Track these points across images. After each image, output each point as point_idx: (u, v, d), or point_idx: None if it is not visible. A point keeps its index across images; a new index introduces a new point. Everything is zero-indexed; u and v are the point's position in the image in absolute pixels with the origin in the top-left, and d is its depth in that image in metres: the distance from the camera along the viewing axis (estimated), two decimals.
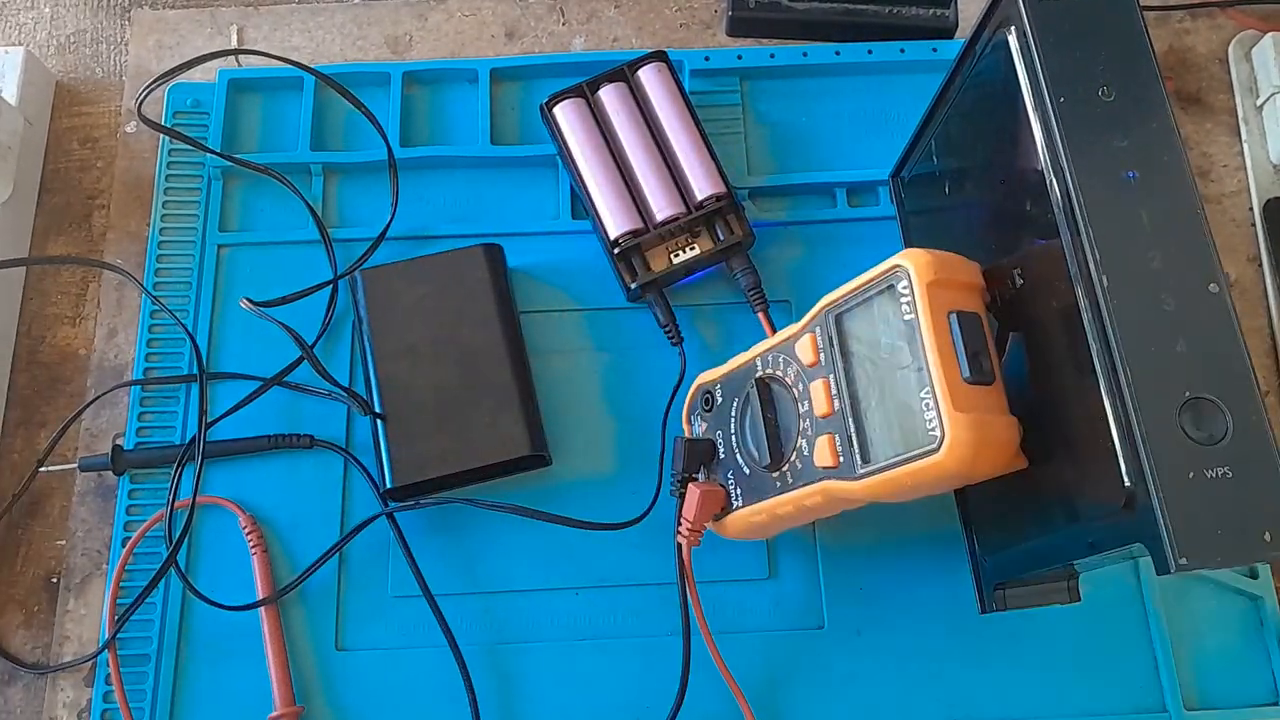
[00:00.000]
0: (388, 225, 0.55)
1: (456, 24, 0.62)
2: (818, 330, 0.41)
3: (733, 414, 0.46)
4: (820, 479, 0.41)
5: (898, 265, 0.38)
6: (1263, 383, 0.53)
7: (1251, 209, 0.58)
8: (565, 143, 0.54)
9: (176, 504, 0.49)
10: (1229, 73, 0.60)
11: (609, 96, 0.55)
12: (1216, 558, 0.31)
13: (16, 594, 0.52)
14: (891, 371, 0.38)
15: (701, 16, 0.62)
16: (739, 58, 0.58)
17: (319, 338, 0.54)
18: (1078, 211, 0.35)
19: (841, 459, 0.40)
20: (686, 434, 0.49)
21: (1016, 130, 0.39)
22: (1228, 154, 0.59)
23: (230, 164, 0.56)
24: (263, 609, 0.49)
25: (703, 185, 0.53)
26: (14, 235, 0.57)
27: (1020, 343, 0.40)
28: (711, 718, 0.48)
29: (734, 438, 0.45)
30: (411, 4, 0.63)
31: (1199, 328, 0.34)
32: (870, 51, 0.58)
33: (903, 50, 0.58)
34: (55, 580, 0.52)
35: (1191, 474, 0.32)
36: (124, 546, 0.50)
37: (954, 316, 0.37)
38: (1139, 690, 0.49)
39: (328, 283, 0.53)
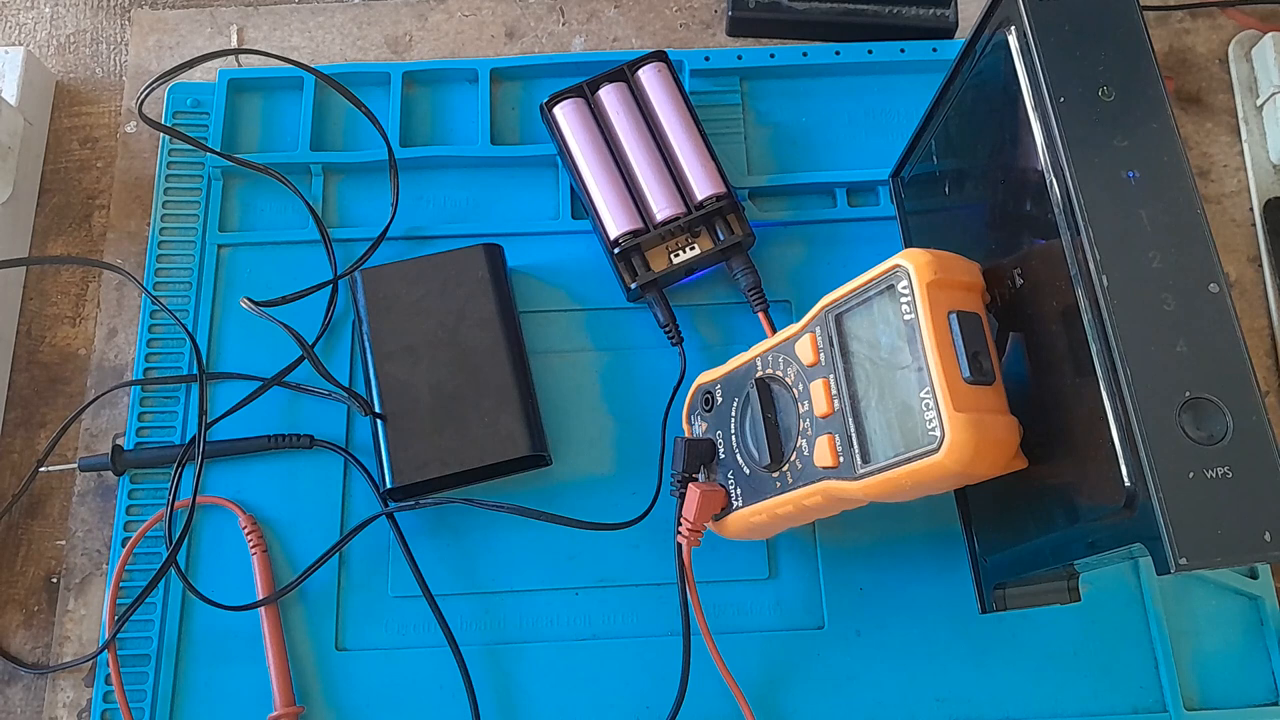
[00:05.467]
0: (388, 225, 0.55)
1: (456, 24, 0.62)
2: (818, 330, 0.42)
3: (733, 414, 0.46)
4: (820, 479, 0.41)
5: (898, 265, 0.38)
6: (1263, 383, 0.54)
7: (1251, 209, 0.58)
8: (565, 143, 0.54)
9: (176, 504, 0.49)
10: (1229, 73, 0.60)
11: (609, 96, 0.55)
12: (1216, 558, 0.31)
13: (16, 594, 0.52)
14: (891, 371, 0.38)
15: (701, 16, 0.62)
16: (739, 58, 0.58)
17: (319, 338, 0.54)
18: (1078, 211, 0.35)
19: (841, 459, 0.40)
20: (686, 434, 0.49)
21: (1016, 130, 0.39)
22: (1228, 154, 0.59)
23: (230, 164, 0.56)
24: (263, 609, 0.49)
25: (703, 185, 0.53)
26: (14, 235, 0.57)
27: (1020, 343, 0.40)
28: (711, 718, 0.48)
29: (734, 438, 0.45)
30: (411, 4, 0.63)
31: (1199, 328, 0.34)
32: (870, 51, 0.58)
33: (903, 50, 0.58)
34: (55, 580, 0.52)
35: (1191, 474, 0.32)
36: (124, 546, 0.50)
37: (954, 316, 0.37)
38: (1139, 690, 0.49)
39: (328, 283, 0.53)
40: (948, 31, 0.60)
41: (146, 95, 0.52)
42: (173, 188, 0.57)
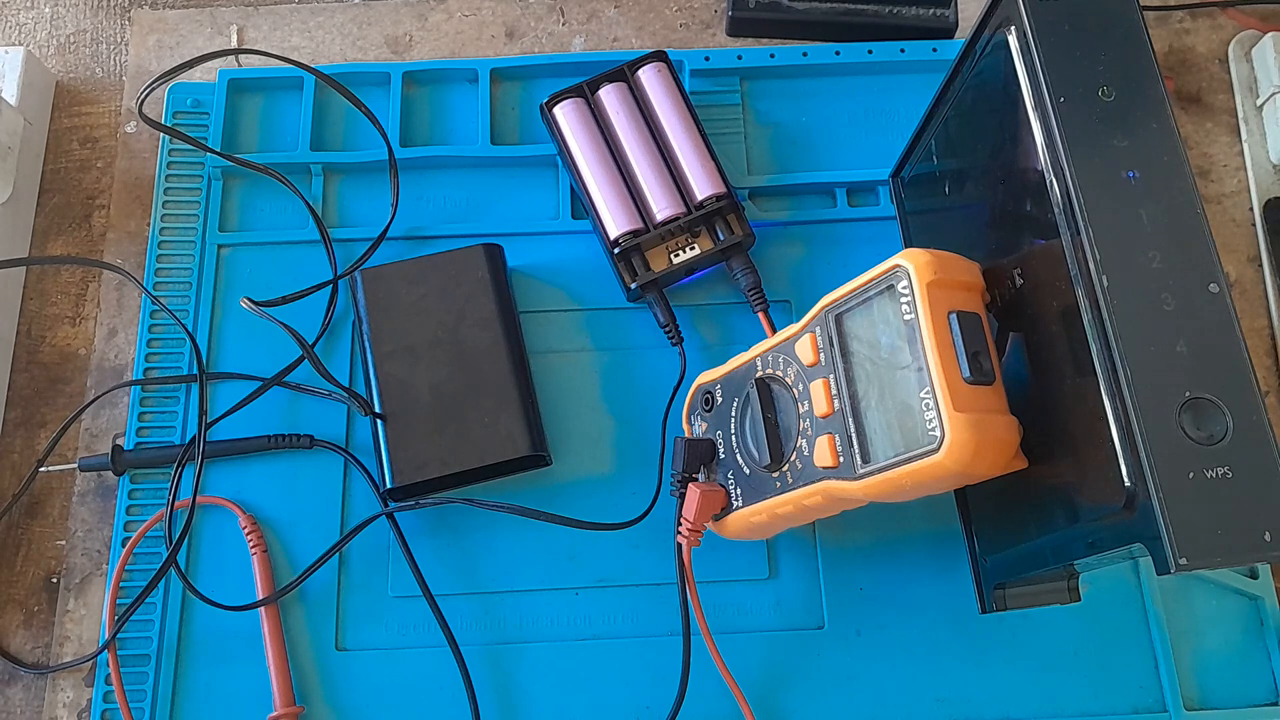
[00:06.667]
0: (388, 225, 0.55)
1: (456, 24, 0.62)
2: (818, 330, 0.42)
3: (733, 414, 0.46)
4: (820, 479, 0.41)
5: (898, 265, 0.38)
6: (1263, 383, 0.54)
7: (1251, 209, 0.58)
8: (565, 143, 0.54)
9: (176, 504, 0.49)
10: (1229, 73, 0.60)
11: (609, 96, 0.55)
12: (1216, 558, 0.31)
13: (16, 594, 0.52)
14: (891, 371, 0.38)
15: (701, 16, 0.62)
16: (739, 58, 0.58)
17: (319, 338, 0.54)
18: (1078, 211, 0.35)
19: (841, 459, 0.40)
20: (686, 434, 0.49)
21: (1016, 130, 0.39)
22: (1228, 154, 0.59)
23: (230, 164, 0.56)
24: (263, 609, 0.49)
25: (703, 185, 0.53)
26: (14, 235, 0.57)
27: (1020, 343, 0.40)
28: (711, 718, 0.48)
29: (734, 438, 0.45)
30: (411, 4, 0.63)
31: (1199, 328, 0.34)
32: (870, 51, 0.58)
33: (903, 50, 0.58)
34: (55, 580, 0.52)
35: (1191, 474, 0.32)
36: (124, 546, 0.50)
37: (954, 316, 0.37)
38: (1139, 690, 0.49)
39: (328, 283, 0.53)
40: (948, 31, 0.60)
41: (146, 95, 0.52)
42: (173, 188, 0.57)
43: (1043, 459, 0.39)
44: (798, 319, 0.43)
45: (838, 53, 0.58)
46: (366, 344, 0.51)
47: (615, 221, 0.53)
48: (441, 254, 0.53)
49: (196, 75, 0.59)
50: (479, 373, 0.50)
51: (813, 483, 0.41)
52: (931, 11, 0.59)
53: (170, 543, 0.48)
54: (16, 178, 0.56)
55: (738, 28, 0.61)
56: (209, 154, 0.56)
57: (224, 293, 0.55)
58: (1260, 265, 0.57)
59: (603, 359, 0.54)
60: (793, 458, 0.42)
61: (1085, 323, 0.35)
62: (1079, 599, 0.40)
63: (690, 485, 0.46)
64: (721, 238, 0.53)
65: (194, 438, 0.50)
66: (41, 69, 0.60)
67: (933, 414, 0.36)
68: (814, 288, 0.54)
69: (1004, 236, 0.41)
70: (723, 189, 0.53)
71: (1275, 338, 0.56)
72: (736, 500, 0.45)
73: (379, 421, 0.50)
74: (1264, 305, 0.56)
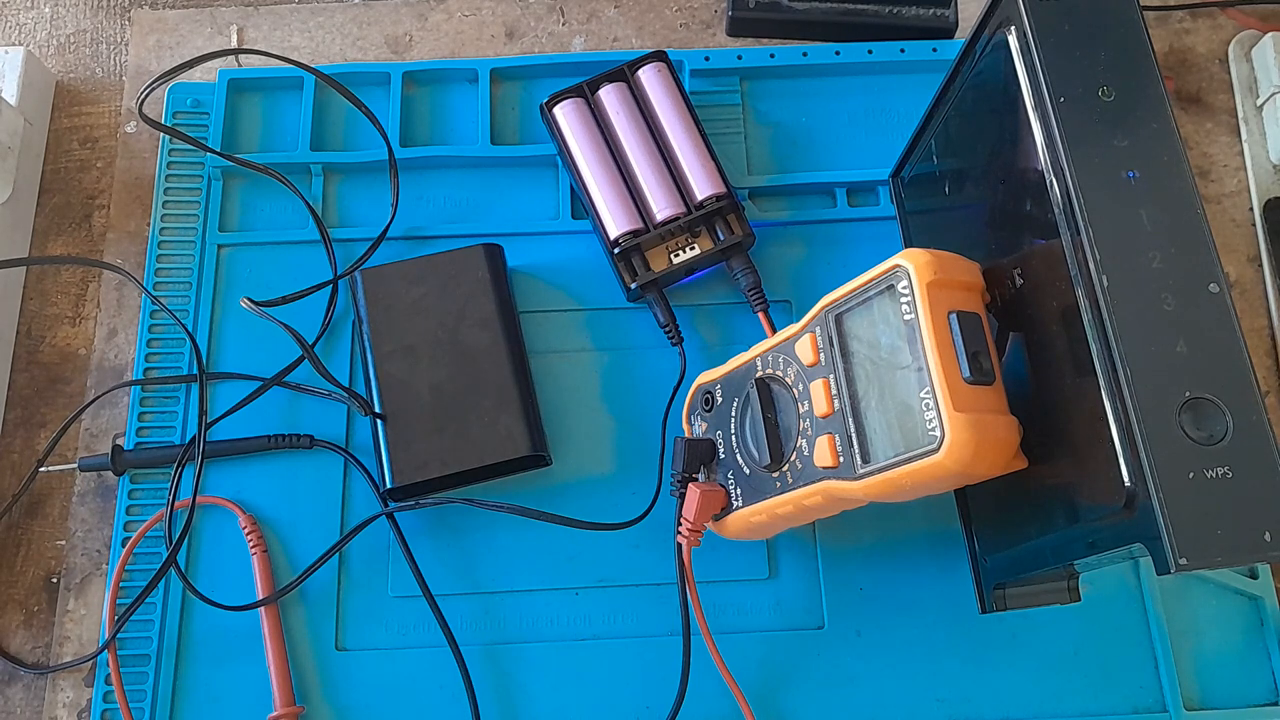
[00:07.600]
0: (388, 225, 0.55)
1: (456, 24, 0.62)
2: (818, 330, 0.42)
3: (733, 414, 0.46)
4: (820, 479, 0.41)
5: (898, 265, 0.38)
6: (1263, 383, 0.54)
7: (1251, 209, 0.58)
8: (565, 143, 0.54)
9: (176, 504, 0.49)
10: (1229, 73, 0.60)
11: (609, 96, 0.55)
12: (1216, 558, 0.31)
13: (16, 594, 0.52)
14: (891, 371, 0.38)
15: (701, 16, 0.62)
16: (739, 58, 0.58)
17: (319, 338, 0.54)
18: (1078, 211, 0.35)
19: (841, 459, 0.40)
20: (686, 434, 0.49)
21: (1016, 130, 0.39)
22: (1228, 154, 0.59)
23: (230, 164, 0.56)
24: (263, 609, 0.49)
25: (703, 185, 0.53)
26: (14, 235, 0.57)
27: (1020, 343, 0.40)
28: (711, 718, 0.48)
29: (734, 438, 0.45)
30: (411, 4, 0.63)
31: (1199, 328, 0.34)
32: (870, 51, 0.58)
33: (903, 50, 0.58)
34: (55, 580, 0.52)
35: (1191, 474, 0.32)
36: (124, 546, 0.50)
37: (954, 316, 0.37)
38: (1139, 690, 0.49)
39: (328, 283, 0.53)
40: (948, 31, 0.60)
41: (146, 95, 0.52)
42: (173, 188, 0.57)
43: (1043, 459, 0.39)
44: (798, 319, 0.43)
45: (838, 53, 0.58)
46: (366, 344, 0.51)
47: (615, 221, 0.53)
48: (441, 254, 0.53)
49: (196, 75, 0.59)
50: (479, 373, 0.50)
51: (813, 483, 0.41)
52: (931, 11, 0.59)
53: (170, 543, 0.48)
54: (16, 178, 0.56)
55: (738, 28, 0.61)
56: (209, 154, 0.56)
57: (224, 293, 0.55)
58: (1260, 265, 0.57)
59: (603, 359, 0.54)
60: (793, 458, 0.42)
61: (1085, 323, 0.35)
62: (1079, 599, 0.40)
63: (690, 485, 0.46)
64: (721, 238, 0.53)
65: (194, 438, 0.50)
66: (41, 69, 0.60)
67: (933, 414, 0.36)
68: (814, 288, 0.54)
69: (1004, 236, 0.41)
70: (723, 189, 0.53)
71: (1275, 338, 0.56)
72: (736, 500, 0.45)
73: (379, 421, 0.50)
74: (1264, 305, 0.56)
